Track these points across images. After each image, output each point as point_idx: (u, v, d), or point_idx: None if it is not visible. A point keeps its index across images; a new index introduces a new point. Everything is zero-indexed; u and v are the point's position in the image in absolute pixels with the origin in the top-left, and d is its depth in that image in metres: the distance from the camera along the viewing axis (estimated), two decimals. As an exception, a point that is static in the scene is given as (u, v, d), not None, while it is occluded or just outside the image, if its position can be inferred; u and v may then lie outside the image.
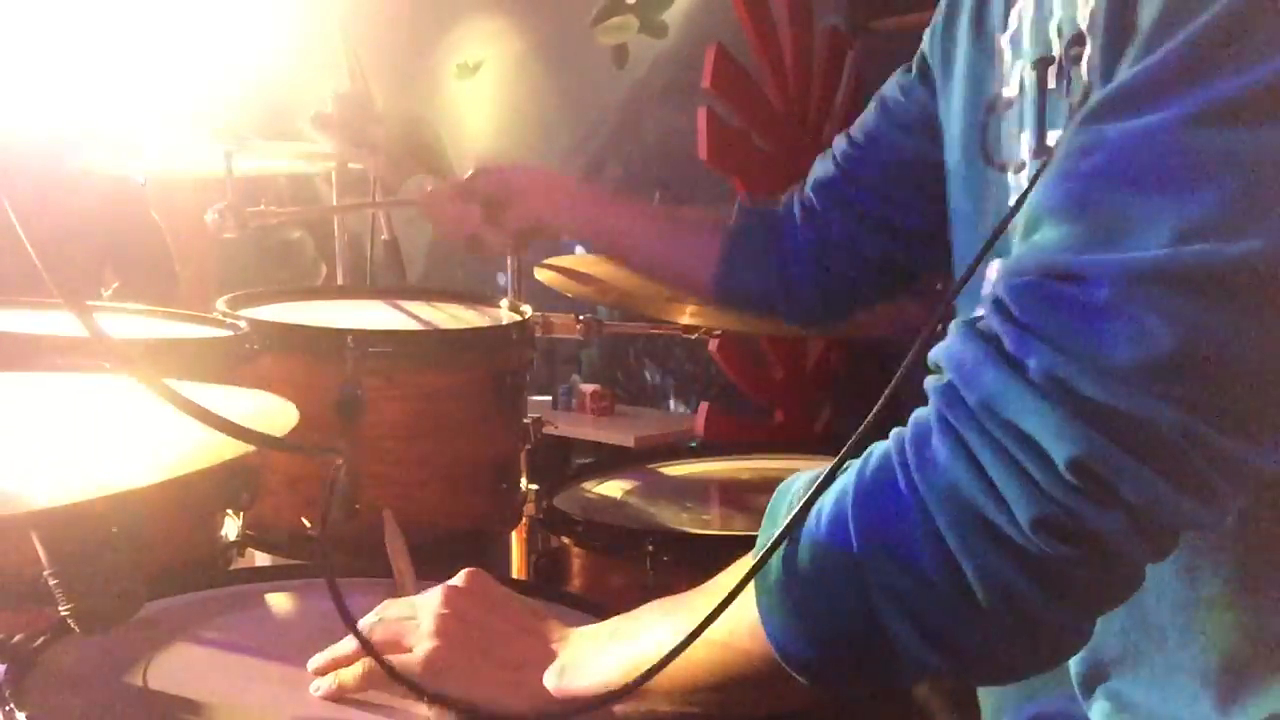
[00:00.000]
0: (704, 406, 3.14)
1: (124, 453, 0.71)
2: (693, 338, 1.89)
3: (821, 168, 1.27)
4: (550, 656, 0.79)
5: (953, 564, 0.59)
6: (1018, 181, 0.84)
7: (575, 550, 1.30)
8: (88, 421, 0.82)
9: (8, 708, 0.77)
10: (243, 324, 1.33)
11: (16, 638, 0.86)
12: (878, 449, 0.65)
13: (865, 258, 1.20)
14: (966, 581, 0.59)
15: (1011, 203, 0.86)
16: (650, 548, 1.20)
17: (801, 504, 0.65)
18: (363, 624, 0.83)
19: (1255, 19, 0.55)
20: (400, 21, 4.71)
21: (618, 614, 0.99)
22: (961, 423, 0.60)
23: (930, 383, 0.64)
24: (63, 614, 0.68)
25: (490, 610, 0.83)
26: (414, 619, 0.81)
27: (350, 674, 0.81)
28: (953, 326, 0.64)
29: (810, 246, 1.23)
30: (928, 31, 1.05)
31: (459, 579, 0.85)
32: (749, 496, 1.50)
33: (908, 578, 0.60)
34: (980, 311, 0.62)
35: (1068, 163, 0.60)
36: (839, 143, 1.26)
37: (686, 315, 1.68)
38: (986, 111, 0.89)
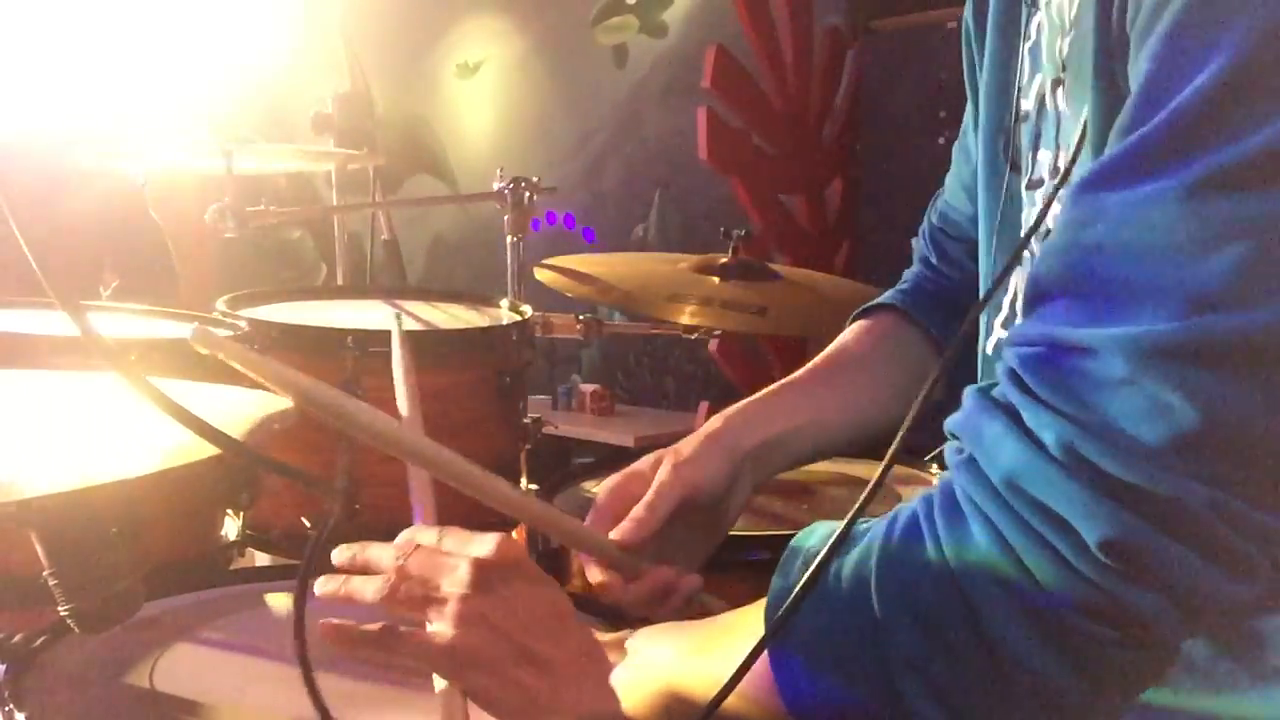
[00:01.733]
0: (704, 406, 3.14)
1: (122, 446, 0.71)
2: (693, 338, 1.89)
3: (928, 224, 1.25)
4: (573, 667, 0.76)
5: (981, 637, 0.58)
6: (1032, 198, 0.84)
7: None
8: (86, 415, 0.82)
9: (7, 708, 0.77)
10: (243, 324, 1.33)
11: (16, 638, 0.86)
12: (904, 511, 0.64)
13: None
14: (994, 656, 0.58)
15: (1025, 216, 0.85)
16: (650, 548, 1.20)
17: (820, 557, 0.64)
18: (382, 559, 0.79)
19: (1253, 81, 0.53)
20: (400, 21, 4.71)
21: (617, 614, 0.99)
22: (986, 501, 0.59)
23: (950, 455, 0.63)
24: (63, 614, 0.68)
25: (518, 600, 0.77)
26: (438, 587, 0.76)
27: (368, 633, 0.76)
28: (967, 394, 0.63)
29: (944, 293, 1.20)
30: (966, 15, 1.01)
31: (488, 549, 0.79)
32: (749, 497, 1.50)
33: (930, 647, 0.60)
34: (995, 361, 0.61)
35: (1069, 233, 0.59)
36: (932, 209, 1.24)
37: (686, 315, 1.68)
38: (1014, 117, 0.88)
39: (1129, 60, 0.61)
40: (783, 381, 1.09)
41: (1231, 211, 0.53)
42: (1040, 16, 0.80)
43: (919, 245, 1.26)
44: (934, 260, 1.21)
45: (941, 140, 3.36)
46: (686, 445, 0.99)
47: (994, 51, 0.90)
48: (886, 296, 1.20)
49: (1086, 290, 0.58)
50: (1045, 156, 0.81)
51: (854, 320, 1.20)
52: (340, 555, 0.82)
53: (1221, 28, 0.54)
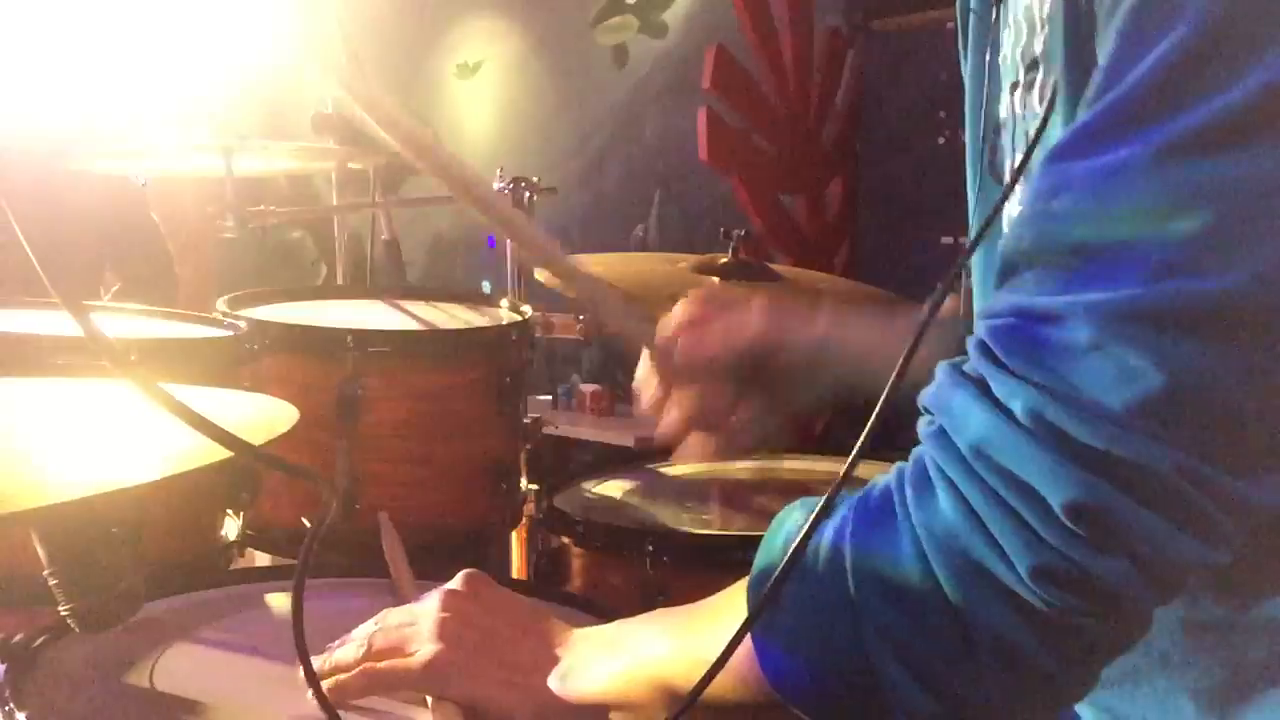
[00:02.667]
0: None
1: (124, 451, 0.71)
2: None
3: None
4: (552, 659, 0.79)
5: (950, 610, 0.59)
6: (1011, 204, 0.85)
7: (575, 550, 1.30)
8: (88, 421, 0.82)
9: (7, 708, 0.77)
10: (243, 324, 1.33)
11: (16, 638, 0.86)
12: (879, 484, 0.65)
13: None
14: (964, 629, 0.59)
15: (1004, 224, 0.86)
16: (650, 548, 1.20)
17: (800, 537, 0.64)
18: (361, 631, 0.83)
19: (1216, 46, 0.53)
20: (400, 21, 4.71)
21: (618, 614, 0.99)
22: (954, 469, 0.59)
23: (922, 427, 0.63)
24: (63, 614, 0.68)
25: (490, 611, 0.82)
26: (414, 625, 0.81)
27: (350, 680, 0.80)
28: (938, 368, 0.64)
29: None
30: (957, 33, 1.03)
31: (457, 582, 0.85)
32: (749, 496, 1.50)
33: (903, 620, 0.60)
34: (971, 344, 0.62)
35: (1037, 204, 0.60)
36: None
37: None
38: (994, 131, 0.89)
39: (1096, 37, 0.61)
40: (884, 316, 1.07)
41: (1197, 176, 0.53)
42: (1006, 27, 0.81)
43: None
44: None
45: (941, 140, 3.36)
46: (784, 302, 1.00)
47: (972, 67, 0.92)
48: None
49: (1054, 259, 0.58)
50: (1013, 163, 0.82)
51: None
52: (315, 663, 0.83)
53: None
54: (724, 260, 1.72)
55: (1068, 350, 0.55)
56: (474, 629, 0.80)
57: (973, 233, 0.94)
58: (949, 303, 1.13)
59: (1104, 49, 0.59)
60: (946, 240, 3.38)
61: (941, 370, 0.63)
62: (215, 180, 1.70)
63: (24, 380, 0.92)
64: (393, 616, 0.84)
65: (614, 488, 1.49)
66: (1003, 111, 0.84)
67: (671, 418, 0.96)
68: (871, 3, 3.65)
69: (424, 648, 0.78)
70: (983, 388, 0.59)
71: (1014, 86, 0.79)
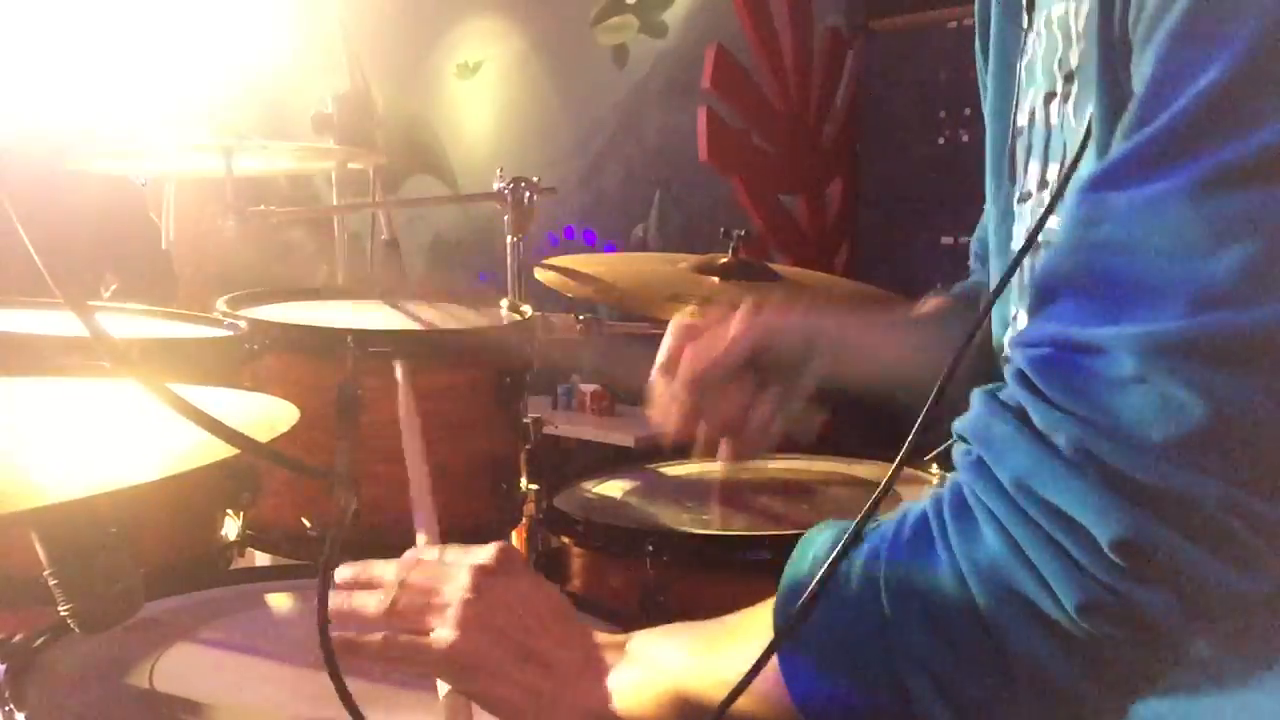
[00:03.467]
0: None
1: (124, 452, 0.71)
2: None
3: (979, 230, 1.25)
4: (573, 668, 0.77)
5: (989, 639, 0.59)
6: (1021, 212, 0.84)
7: (575, 550, 1.30)
8: (87, 420, 0.82)
9: (7, 708, 0.77)
10: (243, 324, 1.33)
11: (16, 638, 0.86)
12: (913, 511, 0.65)
13: None
14: (1002, 657, 0.59)
15: (1016, 230, 0.86)
16: (650, 548, 1.20)
17: (831, 559, 0.64)
18: (387, 572, 0.80)
19: (1258, 79, 0.54)
20: (400, 21, 4.71)
21: (617, 614, 0.99)
22: (996, 502, 0.59)
23: (959, 456, 0.63)
24: (62, 614, 0.68)
25: (517, 602, 0.79)
26: (440, 595, 0.78)
27: (370, 644, 0.78)
28: (974, 396, 0.63)
29: None
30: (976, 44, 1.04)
31: (489, 556, 0.81)
32: (749, 496, 1.50)
33: (939, 646, 0.60)
34: (1006, 365, 0.61)
35: (1077, 232, 0.59)
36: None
37: (686, 315, 1.68)
38: (1013, 136, 0.88)
39: (1131, 62, 0.61)
40: (863, 314, 1.10)
41: (1239, 208, 0.53)
42: (1036, 33, 0.81)
43: (971, 263, 1.26)
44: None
45: (941, 140, 3.36)
46: (769, 304, 1.01)
47: (996, 71, 0.91)
48: (958, 288, 1.21)
49: (1095, 289, 0.58)
50: (1034, 169, 0.81)
51: (931, 295, 1.20)
52: (343, 573, 0.82)
53: (1226, 27, 0.54)
54: (724, 260, 1.72)
55: (1110, 382, 0.55)
56: (500, 620, 0.77)
57: (991, 237, 0.94)
58: (939, 301, 1.14)
59: (1140, 76, 0.59)
60: (946, 240, 3.38)
61: (978, 398, 0.63)
62: (215, 180, 1.70)
63: (24, 380, 0.92)
64: (420, 572, 0.80)
65: (614, 488, 1.49)
66: (1023, 118, 0.84)
67: (700, 430, 0.96)
68: (871, 3, 3.65)
69: (445, 632, 0.76)
70: (1024, 419, 0.59)
71: (1049, 97, 0.78)
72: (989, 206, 0.95)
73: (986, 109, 0.94)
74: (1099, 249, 0.58)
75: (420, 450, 1.04)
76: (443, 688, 0.78)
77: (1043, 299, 0.61)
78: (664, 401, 0.97)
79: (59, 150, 2.00)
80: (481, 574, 0.79)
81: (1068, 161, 0.77)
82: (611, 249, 4.24)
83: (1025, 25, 0.84)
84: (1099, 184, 0.59)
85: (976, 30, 0.99)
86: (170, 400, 0.55)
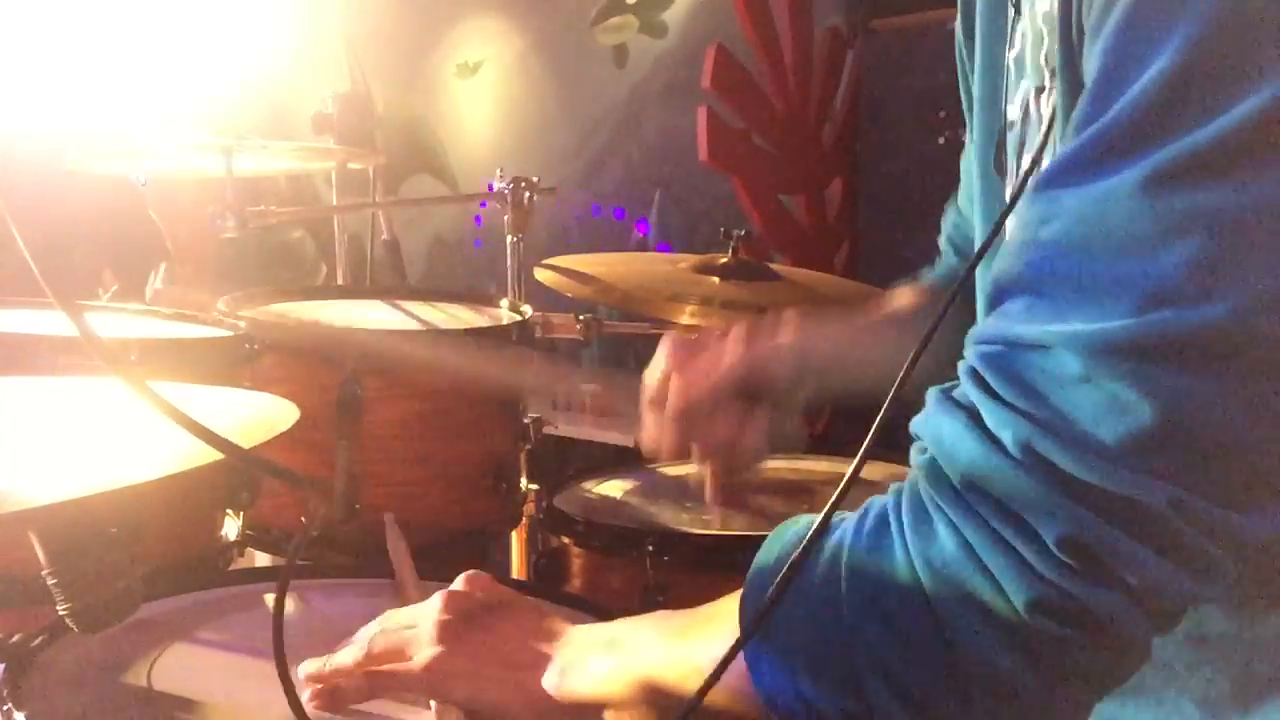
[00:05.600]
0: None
1: (123, 451, 0.71)
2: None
3: (944, 232, 1.25)
4: (552, 658, 0.78)
5: (944, 639, 0.58)
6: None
7: (575, 550, 1.30)
8: (87, 420, 0.82)
9: (6, 707, 0.77)
10: (243, 324, 1.33)
11: (16, 638, 0.86)
12: (874, 506, 0.64)
13: None
14: (956, 656, 0.58)
15: (1009, 225, 0.86)
16: (650, 548, 1.20)
17: (796, 554, 0.64)
18: (363, 634, 0.83)
19: (1203, 72, 0.53)
20: (400, 21, 4.71)
21: (618, 614, 0.99)
22: (947, 500, 0.59)
23: (914, 455, 0.63)
24: (61, 614, 0.68)
25: (492, 612, 0.82)
26: (415, 627, 0.80)
27: (351, 684, 0.80)
28: (929, 394, 0.63)
29: None
30: (957, 28, 1.03)
31: (459, 583, 0.84)
32: (749, 496, 1.50)
33: (896, 646, 0.60)
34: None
35: (1027, 231, 0.59)
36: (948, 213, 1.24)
37: (686, 315, 1.68)
38: (1002, 128, 0.88)
39: (1084, 56, 0.61)
40: (846, 321, 1.10)
41: (1187, 204, 0.53)
42: (1024, 25, 0.80)
43: (943, 247, 1.26)
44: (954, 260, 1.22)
45: (941, 140, 3.36)
46: (759, 329, 1.01)
47: (983, 61, 0.91)
48: (928, 279, 1.21)
49: (1044, 288, 0.57)
50: (1026, 162, 0.81)
51: (901, 287, 1.20)
52: (307, 668, 0.82)
53: (1171, 19, 0.53)
54: (724, 260, 1.72)
55: (1057, 381, 0.55)
56: (475, 630, 0.80)
57: (978, 234, 0.94)
58: (914, 294, 1.15)
59: (1089, 70, 0.58)
60: (946, 240, 3.37)
61: (932, 397, 0.63)
62: (215, 180, 1.70)
63: (24, 380, 0.92)
64: (393, 619, 0.83)
65: (614, 488, 1.49)
66: (1015, 111, 0.84)
67: (693, 458, 0.97)
68: (871, 3, 3.65)
69: (424, 651, 0.78)
70: (974, 417, 0.58)
71: (1039, 91, 0.78)
72: (976, 199, 0.95)
73: (975, 103, 0.94)
74: (1047, 247, 0.57)
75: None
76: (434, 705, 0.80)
77: (995, 297, 0.61)
78: (653, 432, 0.98)
79: (59, 150, 2.00)
80: (452, 596, 0.82)
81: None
82: (644, 226, 4.23)
83: (1013, 16, 0.83)
84: (1048, 181, 0.59)
85: (960, 21, 0.99)
86: (155, 402, 0.55)
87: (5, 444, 0.72)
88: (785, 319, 1.02)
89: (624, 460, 1.64)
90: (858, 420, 0.67)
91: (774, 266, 1.82)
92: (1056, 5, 0.65)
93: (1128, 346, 0.53)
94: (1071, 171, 0.57)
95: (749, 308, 1.63)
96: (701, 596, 0.75)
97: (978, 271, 0.95)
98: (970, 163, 1.16)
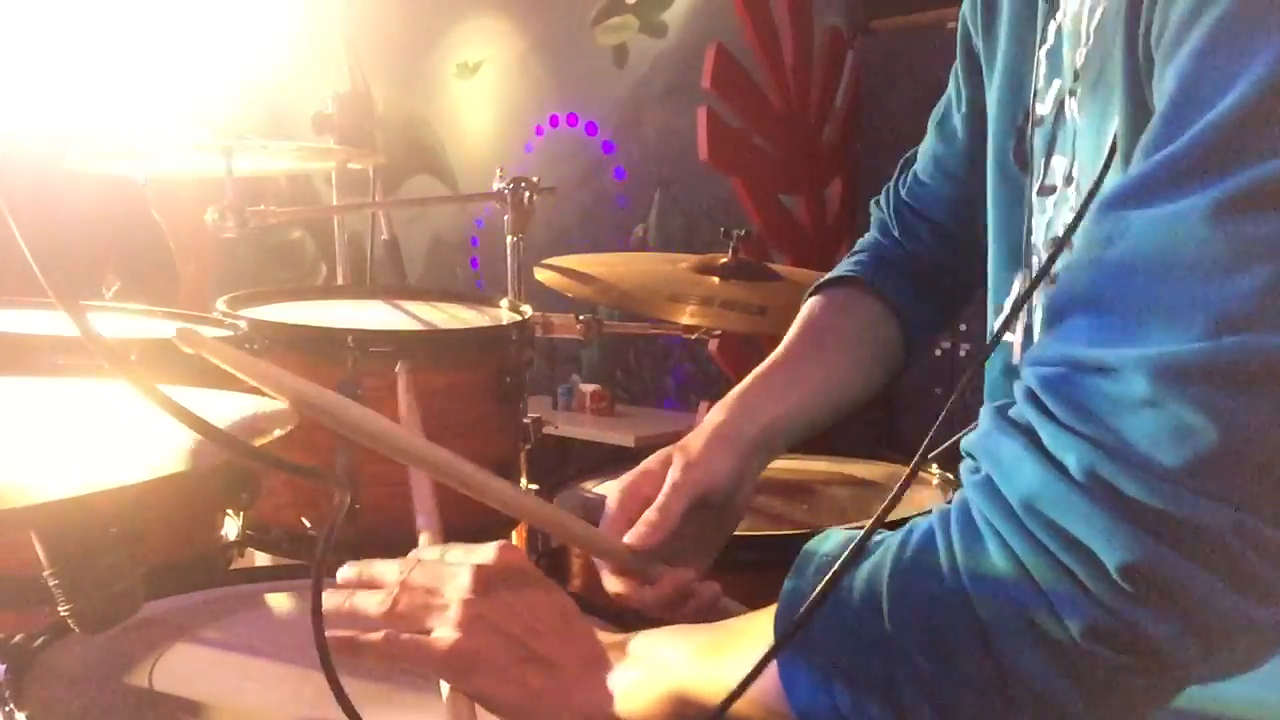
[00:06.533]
0: (704, 406, 3.14)
1: (124, 451, 0.71)
2: (693, 338, 1.89)
3: (893, 193, 1.24)
4: (577, 667, 0.77)
5: (991, 659, 0.58)
6: (1043, 204, 0.84)
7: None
8: (88, 420, 0.82)
9: (8, 707, 0.77)
10: (243, 324, 1.33)
11: (16, 638, 0.86)
12: (919, 527, 0.64)
13: (945, 271, 1.18)
14: (1003, 679, 0.58)
15: (1036, 222, 0.85)
16: (650, 548, 1.20)
17: (833, 572, 0.63)
18: (388, 572, 0.80)
19: None
20: (400, 21, 4.71)
21: (617, 614, 0.99)
22: (1003, 523, 0.58)
23: (966, 474, 0.63)
24: (62, 614, 0.68)
25: (522, 601, 0.79)
26: (441, 595, 0.78)
27: (371, 644, 0.77)
28: (984, 413, 0.63)
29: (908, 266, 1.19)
30: (964, 9, 1.01)
31: (490, 555, 0.80)
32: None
33: (940, 665, 0.59)
34: (1018, 380, 0.61)
35: (1093, 250, 0.58)
36: (909, 176, 1.23)
37: (686, 315, 1.68)
38: (1026, 119, 0.87)
39: (1154, 78, 0.61)
40: (768, 363, 1.10)
41: (1259, 231, 0.53)
42: (1058, 22, 0.80)
43: (877, 213, 1.25)
44: (895, 231, 1.21)
45: (941, 140, 3.36)
46: (694, 443, 1.00)
47: (1008, 52, 0.90)
48: (844, 268, 1.21)
49: (1109, 309, 0.57)
50: (1060, 163, 0.80)
51: (812, 294, 1.20)
52: (345, 572, 0.82)
53: (1252, 45, 0.54)
54: (724, 260, 1.72)
55: (1122, 405, 0.55)
56: (499, 620, 0.77)
57: (991, 223, 0.94)
58: (821, 307, 1.15)
59: (1162, 92, 0.58)
60: (946, 240, 3.37)
61: (987, 415, 0.62)
62: (215, 180, 1.70)
63: (24, 380, 0.92)
64: (421, 572, 0.80)
65: (614, 488, 1.49)
66: (1045, 108, 0.83)
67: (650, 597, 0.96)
68: (871, 3, 3.66)
69: (446, 632, 0.76)
70: (1033, 439, 0.58)
71: (1072, 92, 0.78)
72: (989, 187, 0.94)
73: (994, 93, 0.93)
74: (1115, 267, 0.57)
75: (417, 425, 1.05)
76: (445, 688, 0.78)
77: (1056, 316, 0.60)
78: (614, 585, 0.98)
79: (60, 150, 2.00)
80: (483, 573, 0.78)
81: (1078, 160, 0.77)
82: (610, 147, 4.21)
83: (1045, 9, 0.82)
84: (1118, 201, 0.58)
85: (970, 6, 0.98)
86: (162, 402, 0.55)
87: (6, 444, 0.72)
88: (710, 413, 1.03)
89: (624, 460, 1.64)
90: (857, 421, 0.66)
91: (774, 266, 1.82)
92: (1114, 21, 0.65)
93: (1195, 371, 0.53)
94: (1142, 192, 0.57)
95: (749, 308, 1.63)
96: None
97: (991, 268, 0.95)
98: (947, 130, 1.16)
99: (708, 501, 0.98)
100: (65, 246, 2.22)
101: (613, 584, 0.97)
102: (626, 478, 1.01)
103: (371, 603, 0.79)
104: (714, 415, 1.03)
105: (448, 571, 0.79)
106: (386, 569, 0.81)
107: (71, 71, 2.56)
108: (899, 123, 3.56)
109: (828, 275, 1.22)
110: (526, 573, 0.81)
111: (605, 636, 0.80)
